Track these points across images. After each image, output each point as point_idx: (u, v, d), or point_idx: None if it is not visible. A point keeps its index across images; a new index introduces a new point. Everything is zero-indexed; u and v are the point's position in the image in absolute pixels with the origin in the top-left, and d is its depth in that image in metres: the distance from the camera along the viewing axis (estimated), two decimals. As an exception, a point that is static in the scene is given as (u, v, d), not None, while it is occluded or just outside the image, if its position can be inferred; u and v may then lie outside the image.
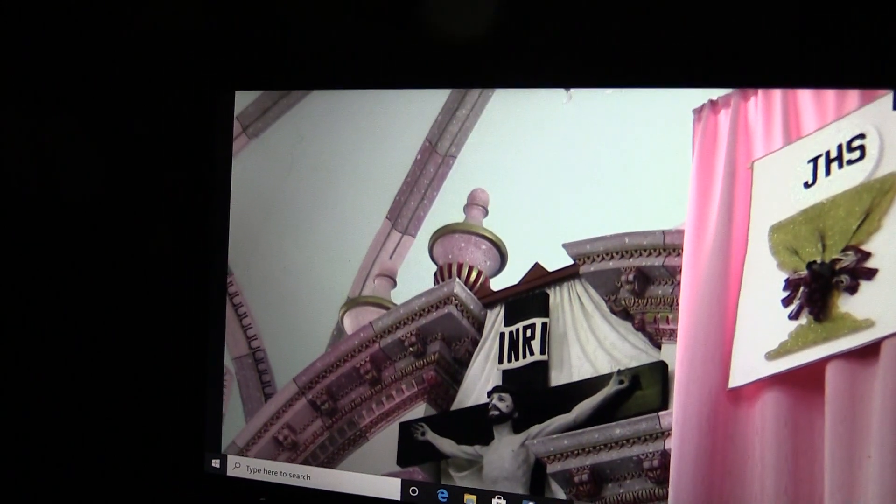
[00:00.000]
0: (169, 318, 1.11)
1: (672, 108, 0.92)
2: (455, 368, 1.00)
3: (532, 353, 0.96)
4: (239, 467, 1.07)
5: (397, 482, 1.01)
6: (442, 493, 0.99)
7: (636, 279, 0.93)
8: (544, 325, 0.96)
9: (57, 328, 1.14)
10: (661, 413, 0.91)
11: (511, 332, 0.97)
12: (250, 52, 1.08)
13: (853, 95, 0.86)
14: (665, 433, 0.91)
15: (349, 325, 1.04)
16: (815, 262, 0.86)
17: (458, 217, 1.00)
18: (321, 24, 1.06)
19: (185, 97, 1.10)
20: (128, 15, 1.12)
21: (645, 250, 0.93)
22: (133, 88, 1.12)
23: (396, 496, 1.00)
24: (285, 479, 1.05)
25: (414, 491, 1.00)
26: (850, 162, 0.86)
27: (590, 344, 0.95)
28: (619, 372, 0.93)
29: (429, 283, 1.01)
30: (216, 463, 1.08)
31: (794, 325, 0.87)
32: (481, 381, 0.99)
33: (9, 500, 1.13)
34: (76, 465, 1.14)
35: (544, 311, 0.96)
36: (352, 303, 1.03)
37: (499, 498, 0.97)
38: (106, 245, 1.14)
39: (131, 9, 1.12)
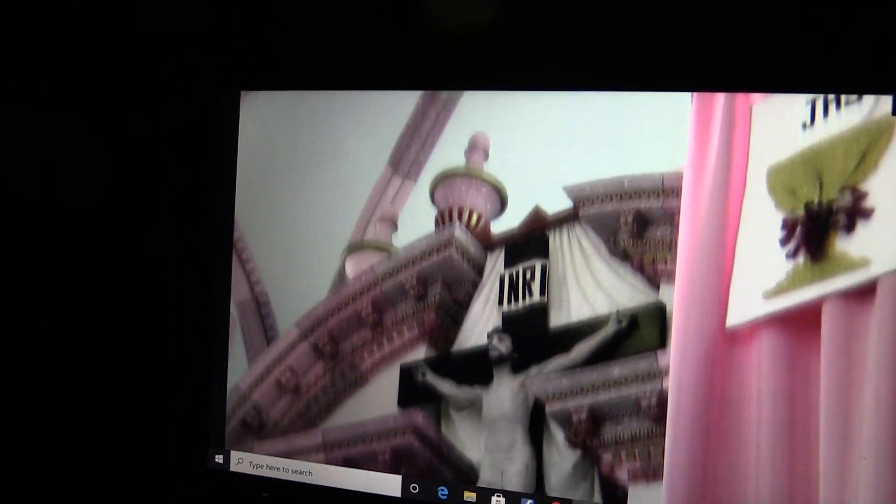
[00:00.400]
0: (172, 316, 1.12)
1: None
2: (455, 311, 1.01)
3: (532, 295, 0.97)
4: (242, 463, 1.08)
5: (398, 479, 1.02)
6: (442, 490, 1.00)
7: (635, 221, 0.94)
8: (544, 266, 0.97)
9: (58, 323, 1.15)
10: (659, 352, 0.92)
11: (511, 275, 0.98)
12: (255, 51, 1.08)
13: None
14: (663, 372, 0.92)
15: (351, 270, 1.05)
16: (812, 202, 0.87)
17: (459, 161, 1.00)
18: (326, 25, 1.06)
19: (189, 96, 1.10)
20: (130, 14, 1.12)
21: (644, 193, 0.94)
22: (135, 88, 1.13)
23: (397, 493, 1.02)
24: (287, 475, 1.06)
25: (414, 488, 1.01)
26: (847, 104, 0.87)
27: (589, 286, 0.96)
28: (618, 313, 0.94)
29: (430, 228, 1.02)
30: (219, 458, 1.09)
31: (791, 264, 0.88)
32: (481, 322, 1.00)
33: (10, 496, 1.14)
34: (79, 460, 1.15)
35: (544, 253, 0.97)
36: (353, 248, 1.04)
37: (498, 496, 0.98)
38: (107, 237, 1.15)
39: (133, 8, 1.12)
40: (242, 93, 1.07)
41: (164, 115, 1.12)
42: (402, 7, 1.03)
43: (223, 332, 1.09)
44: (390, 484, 1.02)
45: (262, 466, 1.07)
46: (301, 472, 1.05)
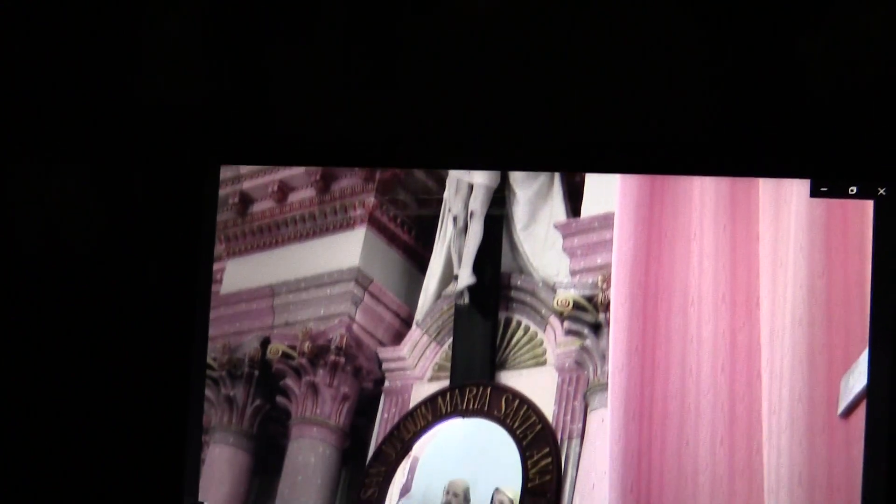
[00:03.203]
0: (153, 369, 1.14)
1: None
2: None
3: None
4: None
5: None
6: None
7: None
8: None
9: (44, 370, 1.17)
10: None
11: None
12: (236, 126, 1.11)
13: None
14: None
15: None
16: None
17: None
18: (307, 99, 1.10)
19: (171, 170, 1.13)
20: (116, 87, 1.16)
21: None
22: (122, 157, 1.16)
23: None
24: None
25: None
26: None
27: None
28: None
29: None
30: None
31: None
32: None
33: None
34: None
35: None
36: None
37: None
38: (100, 288, 1.17)
39: (118, 82, 1.16)
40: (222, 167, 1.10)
41: (147, 184, 1.15)
42: (388, 82, 1.07)
43: (200, 384, 1.11)
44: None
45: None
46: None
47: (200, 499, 1.09)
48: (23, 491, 1.17)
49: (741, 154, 0.92)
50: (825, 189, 0.89)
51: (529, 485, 0.99)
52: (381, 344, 1.05)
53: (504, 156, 1.02)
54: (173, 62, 1.16)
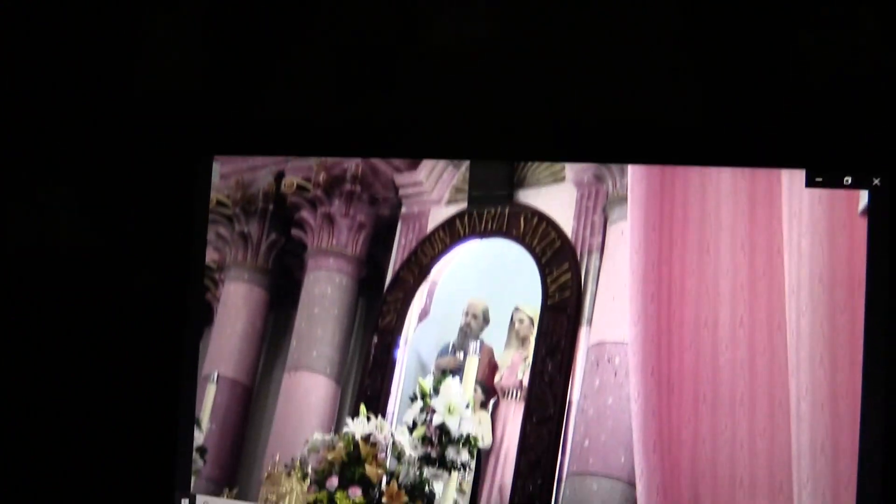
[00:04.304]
0: (145, 366, 1.13)
1: None
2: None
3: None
4: None
5: None
6: None
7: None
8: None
9: (39, 366, 1.17)
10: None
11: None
12: (230, 117, 1.10)
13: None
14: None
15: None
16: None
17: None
18: (300, 89, 1.09)
19: (164, 162, 1.11)
20: (112, 79, 1.15)
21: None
22: (114, 151, 1.15)
23: None
24: None
25: None
26: None
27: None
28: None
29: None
30: (185, 503, 1.09)
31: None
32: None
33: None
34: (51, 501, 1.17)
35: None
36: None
37: None
38: (88, 288, 1.16)
39: (115, 74, 1.15)
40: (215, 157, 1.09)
41: (141, 177, 1.14)
42: (382, 73, 1.06)
43: (192, 379, 1.10)
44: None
45: (231, 511, 1.07)
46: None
47: (213, 339, 1.08)
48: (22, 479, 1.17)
49: (737, 144, 0.92)
50: (820, 179, 0.89)
51: (549, 301, 0.98)
52: (398, 170, 1.05)
53: (511, 146, 1.01)
54: (165, 54, 1.14)
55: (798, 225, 0.88)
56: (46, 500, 1.17)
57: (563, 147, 0.98)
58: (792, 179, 0.89)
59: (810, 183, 0.88)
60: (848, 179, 0.87)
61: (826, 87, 0.93)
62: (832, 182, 0.88)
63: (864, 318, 0.86)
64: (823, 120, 0.92)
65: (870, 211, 0.87)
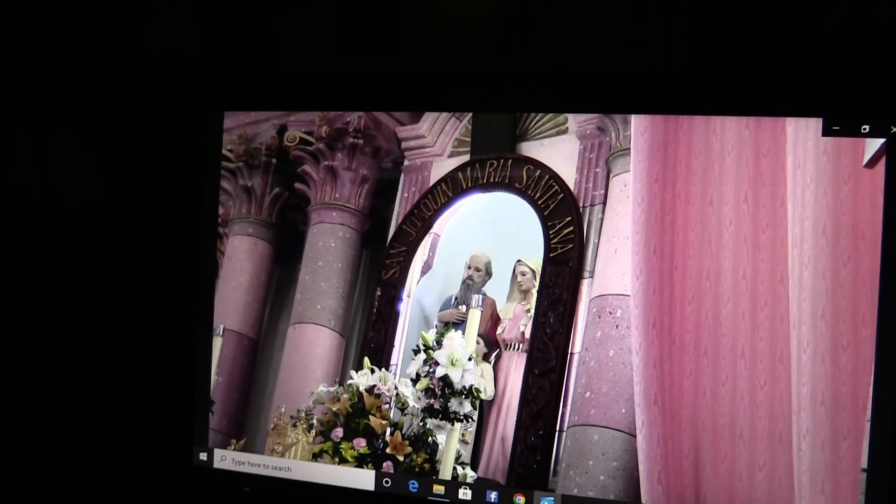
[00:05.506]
0: (161, 322, 1.14)
1: None
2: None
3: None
4: (225, 460, 1.10)
5: (371, 474, 1.03)
6: (413, 483, 1.02)
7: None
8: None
9: (53, 326, 1.17)
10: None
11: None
12: (239, 72, 1.09)
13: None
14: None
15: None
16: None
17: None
18: (309, 43, 1.07)
19: (175, 116, 1.10)
20: (120, 37, 1.14)
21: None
22: (126, 106, 1.14)
23: (371, 487, 1.03)
24: (267, 471, 1.08)
25: (387, 482, 1.03)
26: None
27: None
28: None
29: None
30: (203, 456, 1.10)
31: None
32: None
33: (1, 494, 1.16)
34: (72, 458, 1.18)
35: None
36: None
37: (465, 488, 1.00)
38: (101, 243, 1.16)
39: (123, 32, 1.14)
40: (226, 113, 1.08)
41: (153, 131, 1.13)
42: (388, 29, 1.04)
43: (207, 337, 1.10)
44: (364, 478, 1.04)
45: (243, 463, 1.09)
46: (280, 469, 1.07)
47: (218, 293, 1.09)
48: (45, 444, 1.19)
49: (755, 93, 0.90)
50: (837, 128, 0.87)
51: (552, 254, 0.98)
52: (400, 123, 1.04)
53: (514, 97, 0.99)
54: (171, 12, 1.13)
55: (802, 175, 0.87)
56: (70, 453, 1.19)
57: (566, 98, 0.96)
58: (797, 129, 0.87)
59: (827, 132, 0.87)
60: (866, 127, 0.86)
61: (844, 35, 0.91)
62: (850, 131, 0.86)
63: (881, 264, 0.85)
64: (840, 69, 0.90)
65: (887, 158, 0.85)
